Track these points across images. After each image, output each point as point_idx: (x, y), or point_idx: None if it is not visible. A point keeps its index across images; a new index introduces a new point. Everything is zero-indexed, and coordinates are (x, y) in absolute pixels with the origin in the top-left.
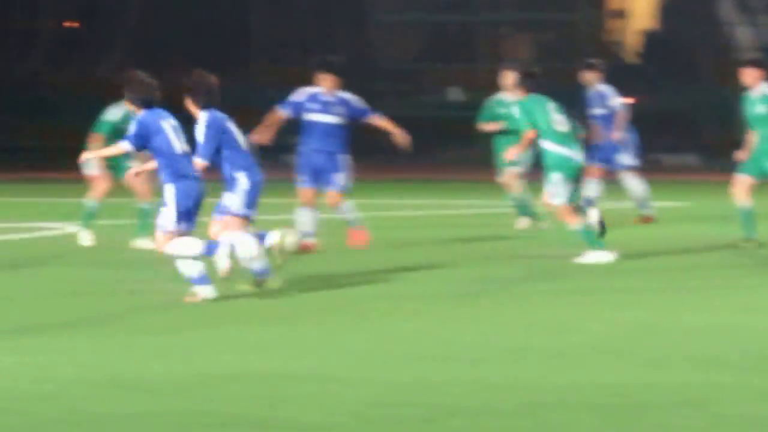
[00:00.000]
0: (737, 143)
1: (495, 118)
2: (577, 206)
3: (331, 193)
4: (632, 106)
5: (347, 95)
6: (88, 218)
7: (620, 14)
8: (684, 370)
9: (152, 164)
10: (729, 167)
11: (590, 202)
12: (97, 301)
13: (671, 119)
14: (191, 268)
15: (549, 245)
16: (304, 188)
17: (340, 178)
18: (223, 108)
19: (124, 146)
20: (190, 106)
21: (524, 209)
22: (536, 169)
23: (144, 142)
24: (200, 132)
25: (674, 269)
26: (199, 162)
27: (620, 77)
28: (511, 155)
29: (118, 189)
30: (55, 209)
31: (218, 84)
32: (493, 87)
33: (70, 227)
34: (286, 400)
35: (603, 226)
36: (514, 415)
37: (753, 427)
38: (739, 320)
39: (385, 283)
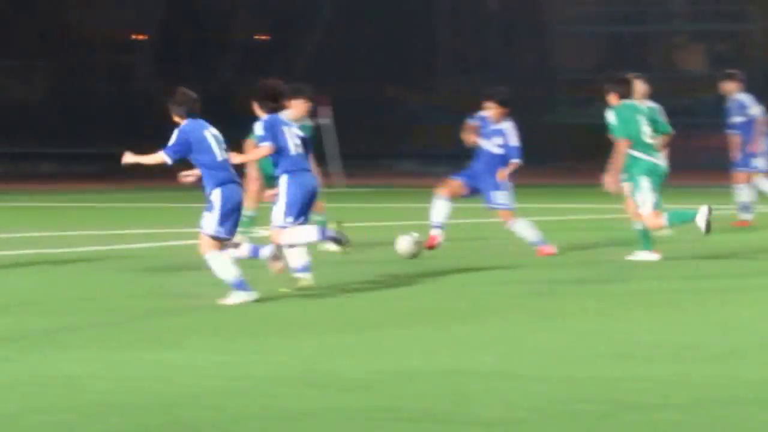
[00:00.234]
0: None
1: None
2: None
3: (499, 213)
4: None
5: (509, 128)
6: (248, 225)
7: None
8: None
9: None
10: None
11: (747, 208)
12: (283, 304)
13: None
14: (229, 272)
15: (709, 247)
16: (454, 179)
17: (499, 197)
18: (400, 116)
19: (162, 156)
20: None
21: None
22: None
23: (185, 151)
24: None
25: None
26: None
27: None
28: (616, 174)
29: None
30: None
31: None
32: (666, 96)
33: (261, 231)
34: (469, 396)
35: (709, 226)
36: (688, 410)
37: None
38: None
39: (558, 284)
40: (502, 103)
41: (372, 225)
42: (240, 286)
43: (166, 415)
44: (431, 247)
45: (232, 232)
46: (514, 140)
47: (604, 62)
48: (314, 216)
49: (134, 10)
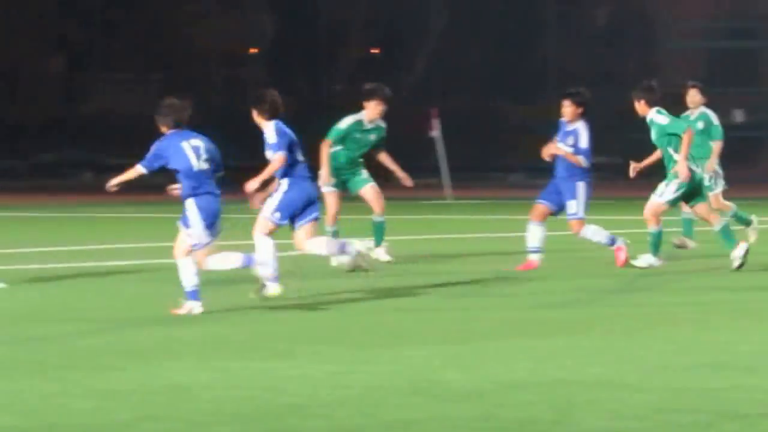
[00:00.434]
0: None
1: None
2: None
3: (570, 224)
4: None
5: (581, 129)
6: (380, 234)
7: None
8: None
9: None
10: None
11: None
12: (391, 314)
13: None
14: (190, 280)
15: None
16: (539, 202)
17: (572, 206)
18: (509, 128)
19: (138, 169)
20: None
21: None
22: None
23: (160, 162)
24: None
25: None
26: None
27: None
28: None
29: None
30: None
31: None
32: None
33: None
34: (574, 406)
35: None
36: None
37: None
38: None
39: (659, 293)
40: (578, 103)
41: (477, 237)
42: (193, 295)
43: (274, 424)
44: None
45: (209, 239)
46: (584, 141)
47: (711, 76)
48: (327, 227)
49: (247, 24)
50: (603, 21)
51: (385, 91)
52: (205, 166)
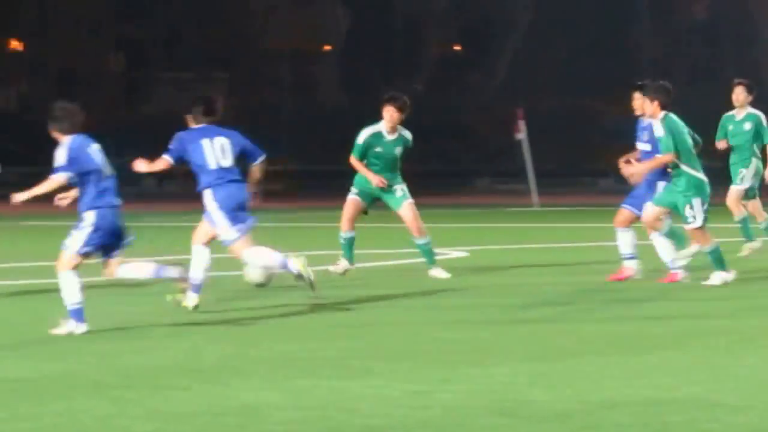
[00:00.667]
0: None
1: (727, 135)
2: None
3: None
4: None
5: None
6: (429, 255)
7: None
8: None
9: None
10: None
11: None
12: (472, 330)
13: None
14: (73, 297)
15: None
16: (620, 208)
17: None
18: (599, 131)
19: (58, 178)
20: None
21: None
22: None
23: (76, 167)
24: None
25: None
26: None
27: None
28: (637, 178)
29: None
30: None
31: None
32: None
33: (453, 253)
34: (669, 427)
35: None
36: None
37: None
38: None
39: (751, 307)
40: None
41: (565, 246)
42: (76, 314)
43: None
44: (622, 279)
45: (95, 253)
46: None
47: None
48: (341, 233)
49: (319, 21)
50: (700, 15)
51: (399, 98)
52: (112, 171)
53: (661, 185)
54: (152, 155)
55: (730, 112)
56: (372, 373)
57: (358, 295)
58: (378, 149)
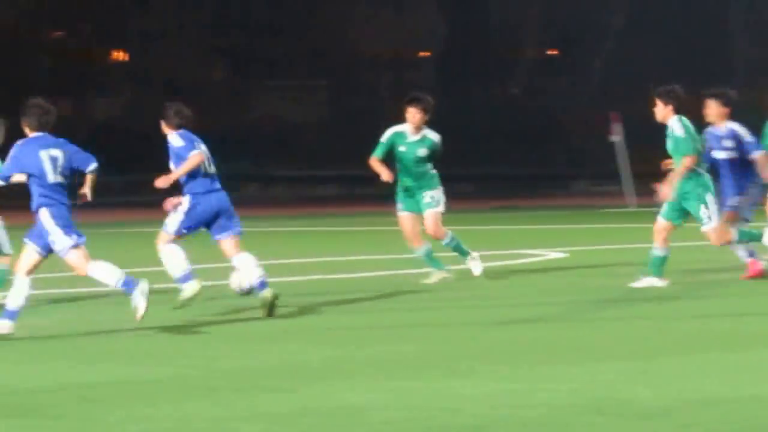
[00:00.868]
0: None
1: None
2: None
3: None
4: None
5: (736, 127)
6: (462, 252)
7: None
8: None
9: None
10: None
11: None
12: (572, 329)
13: None
14: (17, 301)
15: None
16: (725, 210)
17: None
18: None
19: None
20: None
21: None
22: None
23: (17, 169)
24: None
25: None
26: None
27: None
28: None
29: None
30: (533, 236)
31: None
32: None
33: (551, 254)
34: None
35: None
36: None
37: None
38: None
39: None
40: (724, 103)
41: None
42: (11, 315)
43: None
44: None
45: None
46: (746, 136)
47: None
48: (414, 249)
49: (417, 27)
50: None
51: (422, 99)
52: (60, 179)
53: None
54: (257, 163)
55: None
56: (475, 374)
57: (449, 297)
58: (401, 148)
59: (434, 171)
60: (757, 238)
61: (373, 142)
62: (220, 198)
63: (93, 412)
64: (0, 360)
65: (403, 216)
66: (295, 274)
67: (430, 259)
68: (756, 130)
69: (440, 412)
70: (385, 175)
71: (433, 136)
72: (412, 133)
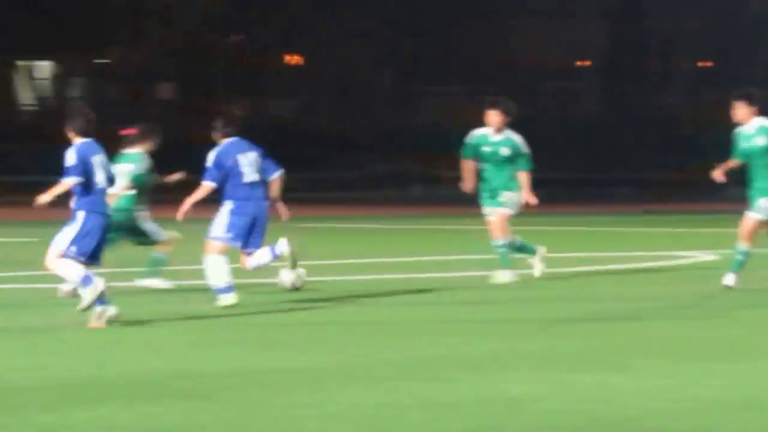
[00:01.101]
0: None
1: None
2: None
3: None
4: None
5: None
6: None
7: None
8: None
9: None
10: None
11: None
12: (726, 328)
13: None
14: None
15: None
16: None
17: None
18: None
19: (69, 181)
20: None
21: None
22: None
23: (86, 171)
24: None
25: None
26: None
27: None
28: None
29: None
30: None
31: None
32: None
33: (703, 256)
34: None
35: None
36: None
37: None
38: None
39: None
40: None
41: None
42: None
43: None
44: None
45: (86, 254)
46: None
47: None
48: (493, 241)
49: (578, 37)
50: None
51: (501, 102)
52: (105, 183)
53: None
54: (422, 165)
55: None
56: (631, 369)
57: (609, 294)
58: (485, 149)
59: (516, 174)
60: None
61: (535, 149)
62: (259, 207)
63: (262, 396)
64: (175, 344)
65: (489, 218)
66: (457, 269)
67: (507, 257)
68: None
69: (595, 404)
70: (468, 185)
71: (515, 138)
72: (494, 135)
